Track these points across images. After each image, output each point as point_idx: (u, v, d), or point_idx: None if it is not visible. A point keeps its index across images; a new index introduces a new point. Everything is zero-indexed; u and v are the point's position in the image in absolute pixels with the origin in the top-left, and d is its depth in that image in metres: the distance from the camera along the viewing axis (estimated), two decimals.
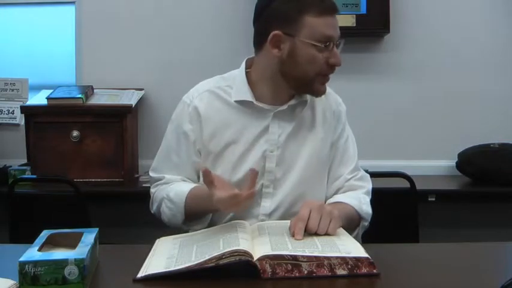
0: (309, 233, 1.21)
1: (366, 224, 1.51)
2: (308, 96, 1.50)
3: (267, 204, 1.47)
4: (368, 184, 1.58)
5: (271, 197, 1.47)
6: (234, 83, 1.50)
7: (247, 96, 1.47)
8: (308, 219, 1.21)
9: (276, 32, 1.39)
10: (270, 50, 1.42)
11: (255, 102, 1.47)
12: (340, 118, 1.56)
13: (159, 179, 1.54)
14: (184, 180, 1.51)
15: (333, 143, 1.54)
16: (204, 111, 1.48)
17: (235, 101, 1.48)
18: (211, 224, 1.42)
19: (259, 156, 1.46)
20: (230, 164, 1.44)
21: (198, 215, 1.44)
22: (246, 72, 1.50)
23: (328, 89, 1.54)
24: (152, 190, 1.56)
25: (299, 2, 1.39)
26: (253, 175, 1.25)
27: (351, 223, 1.43)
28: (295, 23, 1.39)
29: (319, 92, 1.47)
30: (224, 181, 1.29)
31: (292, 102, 1.48)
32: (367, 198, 1.54)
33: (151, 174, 1.57)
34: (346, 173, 1.54)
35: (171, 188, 1.48)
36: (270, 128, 1.47)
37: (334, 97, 1.58)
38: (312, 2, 1.39)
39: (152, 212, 1.56)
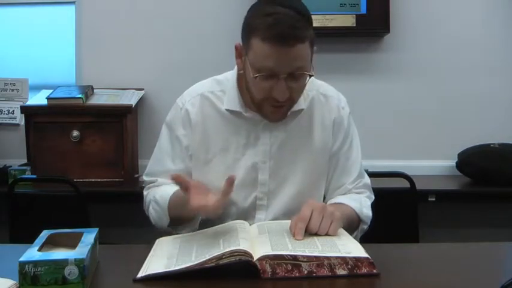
0: (309, 233, 1.20)
1: (365, 227, 1.48)
2: (305, 103, 1.44)
3: (261, 217, 1.44)
4: (370, 193, 1.54)
5: (266, 209, 1.44)
6: (227, 87, 1.45)
7: (237, 105, 1.42)
8: (310, 219, 1.20)
9: (237, 43, 1.35)
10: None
11: (243, 113, 1.42)
12: (342, 124, 1.48)
13: (152, 182, 1.51)
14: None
15: (334, 153, 1.48)
16: (195, 117, 1.45)
17: (226, 110, 1.44)
18: (210, 225, 1.39)
19: (250, 167, 1.43)
20: (220, 172, 1.38)
21: (181, 219, 1.39)
22: (240, 75, 1.42)
23: (331, 92, 1.50)
24: (145, 192, 1.53)
25: (252, 21, 1.29)
26: (229, 182, 1.17)
27: (350, 225, 1.41)
28: (247, 41, 1.30)
29: (269, 119, 1.39)
30: (199, 184, 1.24)
31: None
32: (368, 202, 1.51)
33: (145, 178, 1.54)
34: (348, 182, 1.49)
35: (159, 189, 1.45)
36: (261, 139, 1.43)
37: (335, 102, 1.49)
38: (259, 24, 1.25)
39: (147, 214, 1.53)
